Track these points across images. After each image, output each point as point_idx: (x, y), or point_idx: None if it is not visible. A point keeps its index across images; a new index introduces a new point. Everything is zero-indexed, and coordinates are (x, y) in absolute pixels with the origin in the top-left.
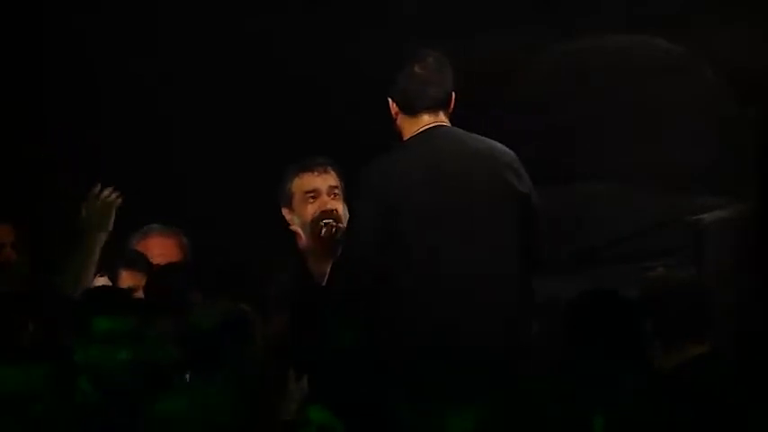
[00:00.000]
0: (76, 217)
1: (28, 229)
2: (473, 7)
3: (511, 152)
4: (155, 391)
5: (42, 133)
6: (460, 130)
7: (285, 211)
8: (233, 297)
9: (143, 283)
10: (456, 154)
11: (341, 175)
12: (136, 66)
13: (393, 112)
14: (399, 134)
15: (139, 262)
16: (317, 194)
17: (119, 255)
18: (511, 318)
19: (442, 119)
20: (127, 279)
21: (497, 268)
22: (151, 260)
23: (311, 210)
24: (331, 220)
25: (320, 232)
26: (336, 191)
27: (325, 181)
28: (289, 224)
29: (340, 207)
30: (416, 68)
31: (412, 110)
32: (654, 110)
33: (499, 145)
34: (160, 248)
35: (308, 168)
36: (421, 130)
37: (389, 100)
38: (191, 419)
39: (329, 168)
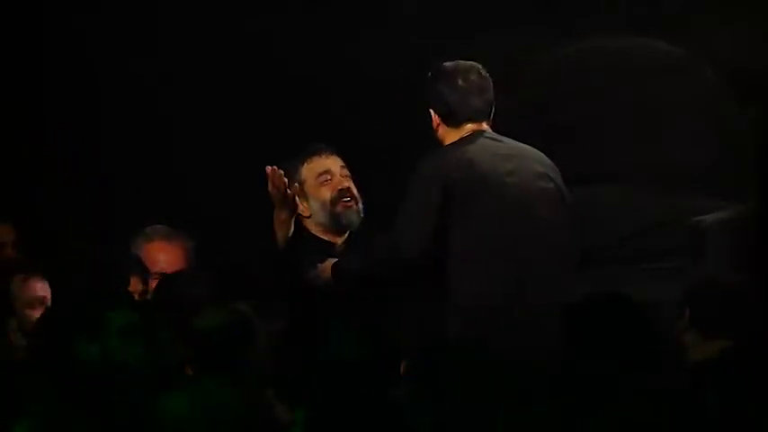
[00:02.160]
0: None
1: (28, 229)
2: (473, 7)
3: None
4: (161, 390)
5: (42, 133)
6: (503, 136)
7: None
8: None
9: (140, 288)
10: (504, 155)
11: (342, 158)
12: (136, 66)
13: (434, 124)
14: (439, 143)
15: (138, 268)
16: (331, 175)
17: (122, 259)
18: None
19: (485, 127)
20: (134, 285)
21: (550, 267)
22: (155, 267)
23: (327, 191)
24: (349, 198)
25: (339, 210)
26: (346, 171)
27: (335, 162)
28: (300, 215)
29: (353, 186)
30: (460, 81)
31: (456, 121)
32: (654, 110)
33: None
34: (164, 254)
35: (315, 153)
36: (465, 135)
37: (431, 111)
38: (192, 419)
39: (334, 153)
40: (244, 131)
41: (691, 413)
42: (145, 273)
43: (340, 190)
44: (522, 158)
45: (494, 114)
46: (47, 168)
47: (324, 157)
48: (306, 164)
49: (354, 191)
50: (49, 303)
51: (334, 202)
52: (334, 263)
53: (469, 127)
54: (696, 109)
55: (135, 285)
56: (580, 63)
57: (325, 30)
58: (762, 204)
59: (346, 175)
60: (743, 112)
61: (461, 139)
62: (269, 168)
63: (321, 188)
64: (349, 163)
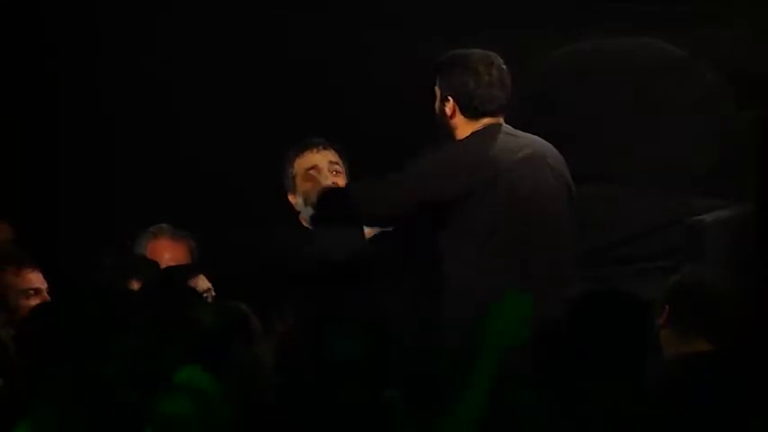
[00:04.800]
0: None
1: (27, 228)
2: (473, 7)
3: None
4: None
5: (44, 133)
6: (515, 131)
7: (291, 197)
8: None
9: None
10: (523, 155)
11: (341, 153)
12: (142, 64)
13: (448, 111)
14: (450, 133)
15: (148, 269)
16: (317, 171)
17: (127, 260)
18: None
19: (502, 121)
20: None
21: (554, 265)
22: (161, 265)
23: (311, 186)
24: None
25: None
26: (337, 167)
27: (324, 157)
28: (297, 211)
29: (341, 182)
30: (484, 73)
31: (476, 113)
32: (654, 110)
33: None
34: (170, 252)
35: (307, 147)
36: (481, 127)
37: (449, 99)
38: (192, 419)
39: (329, 146)
40: (249, 130)
41: (678, 412)
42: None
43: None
44: (539, 157)
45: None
46: (48, 168)
47: (315, 152)
48: (297, 158)
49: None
50: (46, 294)
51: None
52: (323, 189)
53: (486, 120)
54: (696, 109)
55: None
56: (580, 63)
57: (326, 30)
58: (762, 204)
59: (336, 171)
60: (743, 112)
61: (481, 133)
62: None
63: (306, 183)
64: (354, 160)
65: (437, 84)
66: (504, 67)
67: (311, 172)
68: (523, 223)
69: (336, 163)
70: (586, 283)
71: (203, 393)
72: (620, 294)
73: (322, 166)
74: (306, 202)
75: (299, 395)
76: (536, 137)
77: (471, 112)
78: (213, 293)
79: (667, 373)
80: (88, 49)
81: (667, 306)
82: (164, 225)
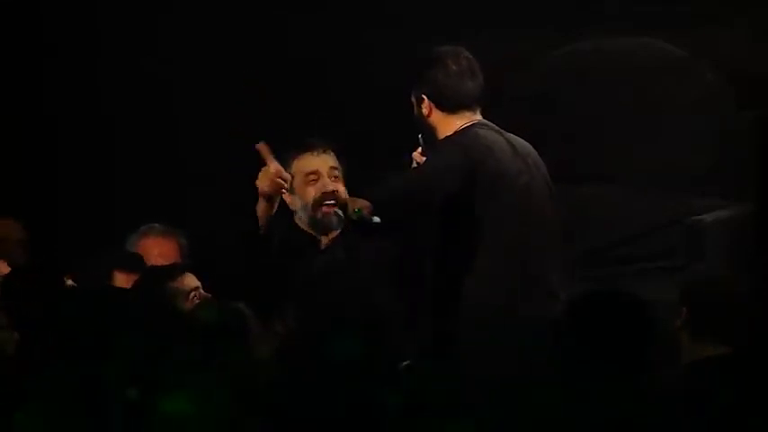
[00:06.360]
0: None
1: (29, 228)
2: (473, 7)
3: None
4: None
5: (45, 133)
6: (499, 129)
7: (285, 195)
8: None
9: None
10: (504, 150)
11: (340, 157)
12: (142, 64)
13: (425, 111)
14: (431, 132)
15: (135, 263)
16: (318, 176)
17: (114, 255)
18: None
19: (479, 116)
20: (120, 281)
21: (550, 265)
22: (149, 261)
23: (312, 191)
24: (333, 202)
25: (319, 215)
26: (336, 172)
27: (325, 162)
28: (290, 208)
29: (341, 188)
30: (451, 64)
31: (451, 107)
32: (654, 110)
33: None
34: (159, 249)
35: (307, 149)
36: (463, 126)
37: (423, 97)
38: (190, 418)
39: (329, 149)
40: (249, 130)
41: (684, 412)
42: (143, 268)
43: (324, 193)
44: (526, 156)
45: (488, 106)
46: (48, 168)
47: (315, 154)
48: (296, 160)
49: (341, 193)
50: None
51: (315, 204)
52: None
53: (465, 116)
54: (696, 109)
55: (121, 281)
56: (580, 63)
57: (327, 30)
58: (762, 204)
59: (335, 176)
60: (743, 112)
61: (469, 129)
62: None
63: (307, 187)
64: (353, 160)
65: (411, 88)
66: (473, 57)
67: (312, 176)
68: (523, 223)
69: (336, 168)
70: (586, 283)
71: (204, 393)
72: (620, 294)
73: (323, 172)
74: (307, 207)
75: (299, 395)
76: (514, 135)
77: (447, 105)
78: (201, 292)
79: (684, 375)
80: (88, 49)
81: (685, 309)
82: (154, 224)
